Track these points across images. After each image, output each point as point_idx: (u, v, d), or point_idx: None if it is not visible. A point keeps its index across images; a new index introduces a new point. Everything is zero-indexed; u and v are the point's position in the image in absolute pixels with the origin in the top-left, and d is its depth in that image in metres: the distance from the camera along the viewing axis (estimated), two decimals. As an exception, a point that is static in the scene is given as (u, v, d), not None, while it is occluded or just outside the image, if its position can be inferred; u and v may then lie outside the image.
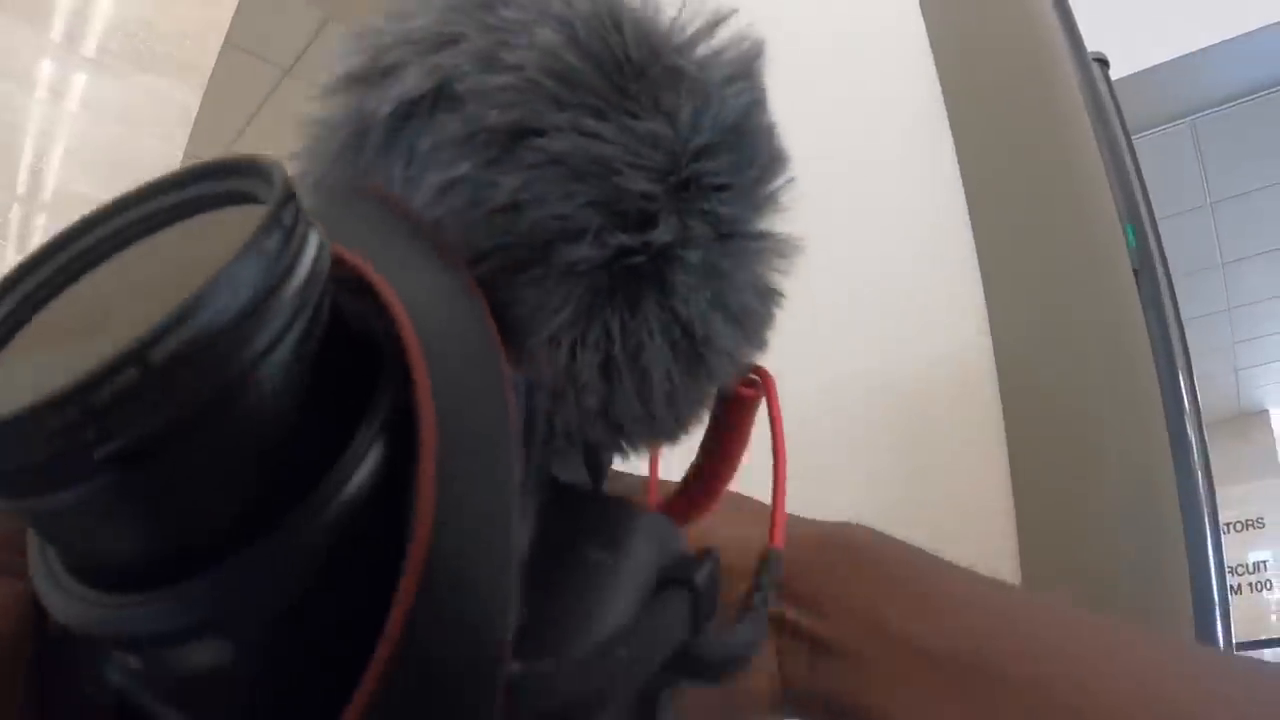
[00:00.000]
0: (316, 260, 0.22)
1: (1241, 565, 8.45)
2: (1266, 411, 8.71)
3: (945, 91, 0.76)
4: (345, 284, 0.25)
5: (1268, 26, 3.38)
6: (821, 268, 0.78)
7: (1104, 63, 1.22)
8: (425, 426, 0.23)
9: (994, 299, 0.69)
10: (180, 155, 1.97)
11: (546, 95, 0.31)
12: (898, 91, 0.79)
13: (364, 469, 0.24)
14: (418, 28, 0.34)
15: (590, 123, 0.31)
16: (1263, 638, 8.04)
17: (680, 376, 0.34)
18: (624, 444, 0.37)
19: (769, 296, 0.37)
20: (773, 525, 0.39)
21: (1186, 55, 3.52)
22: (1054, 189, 0.71)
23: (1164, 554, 0.66)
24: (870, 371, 0.74)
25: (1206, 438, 0.98)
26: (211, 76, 2.06)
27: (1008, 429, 0.67)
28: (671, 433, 0.37)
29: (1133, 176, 1.00)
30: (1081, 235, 0.70)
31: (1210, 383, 7.58)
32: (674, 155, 0.32)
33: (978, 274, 0.70)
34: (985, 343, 0.68)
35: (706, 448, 0.42)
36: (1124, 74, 2.10)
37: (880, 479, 0.72)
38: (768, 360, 0.41)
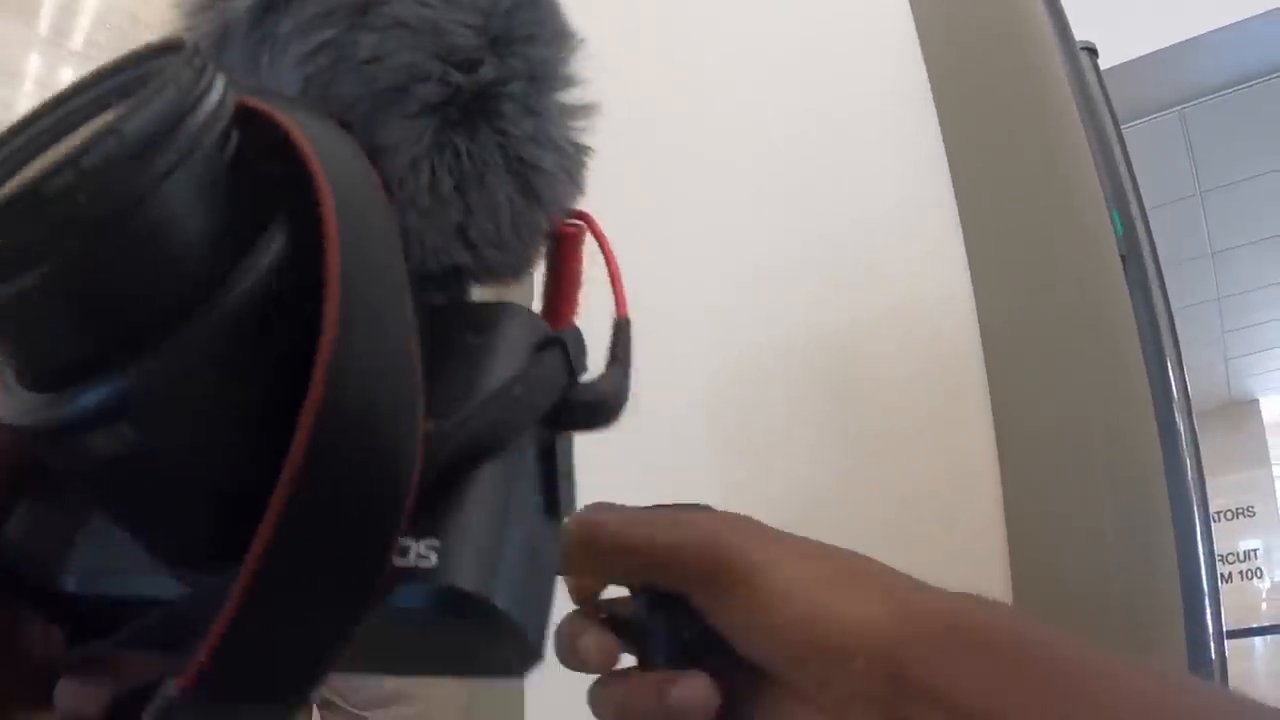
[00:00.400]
0: (225, 93, 0.28)
1: (1232, 554, 8.48)
2: (1256, 401, 8.74)
3: (932, 79, 0.76)
4: (249, 123, 0.31)
5: (1257, 16, 3.39)
6: (812, 255, 0.78)
7: (1093, 52, 1.22)
8: (329, 228, 0.28)
9: (980, 286, 0.69)
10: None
11: None
12: (885, 80, 0.79)
13: (259, 269, 0.29)
14: None
15: None
16: (1253, 625, 8.08)
17: (517, 199, 0.43)
18: (481, 272, 0.44)
19: (580, 148, 0.46)
20: (616, 301, 0.46)
21: (1176, 45, 3.53)
22: (1040, 176, 0.71)
23: (1153, 543, 0.66)
24: (855, 362, 0.74)
25: (1196, 427, 0.98)
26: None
27: (995, 417, 0.67)
28: (517, 264, 0.45)
29: (1120, 164, 1.00)
30: (1068, 222, 0.70)
31: (1200, 372, 7.60)
32: (487, 16, 0.42)
33: (965, 260, 0.70)
34: (973, 331, 0.68)
35: (546, 291, 0.48)
36: (1113, 64, 2.10)
37: (869, 468, 0.72)
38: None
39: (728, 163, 0.88)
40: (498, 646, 0.36)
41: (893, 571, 0.43)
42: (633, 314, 0.46)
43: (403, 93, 0.40)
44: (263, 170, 0.31)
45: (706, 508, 0.47)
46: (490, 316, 0.40)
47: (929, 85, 0.76)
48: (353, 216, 0.30)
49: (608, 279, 0.47)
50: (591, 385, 0.41)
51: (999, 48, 0.76)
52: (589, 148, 0.47)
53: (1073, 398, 0.66)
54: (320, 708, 2.14)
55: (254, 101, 0.32)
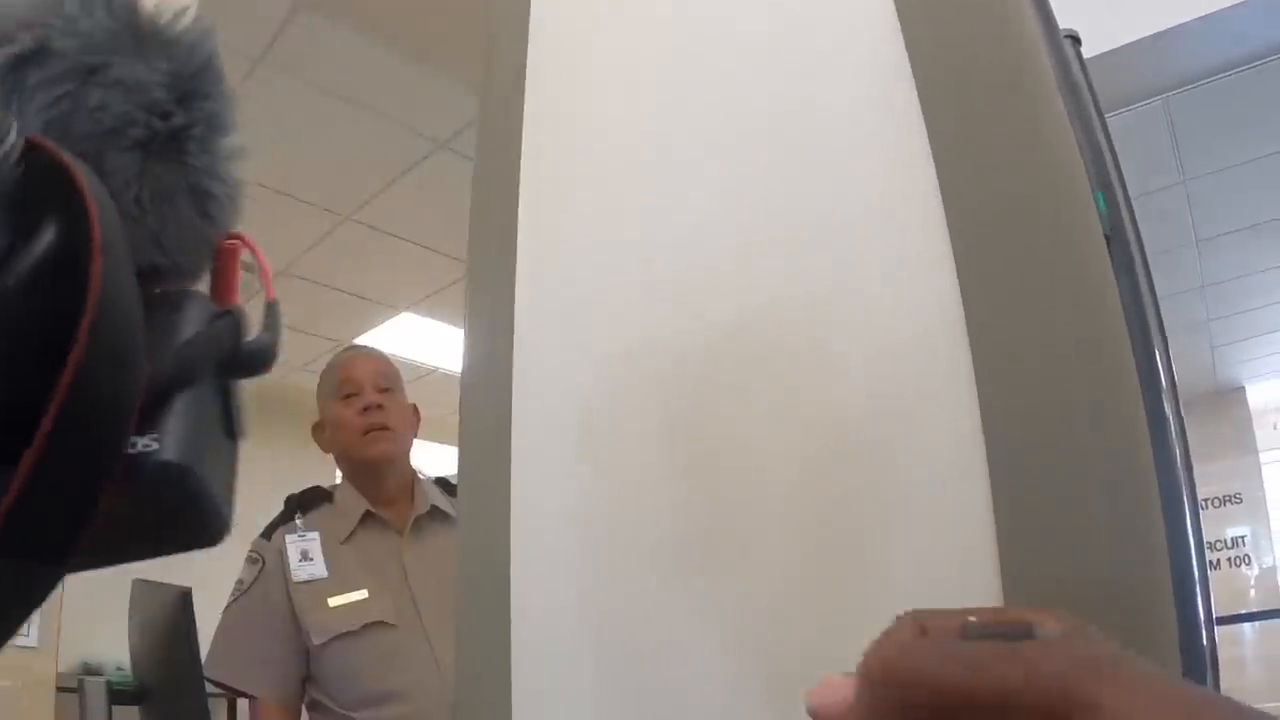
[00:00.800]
0: (17, 131, 0.43)
1: (1220, 541, 8.56)
2: (1243, 388, 8.81)
3: (913, 61, 0.75)
4: (30, 151, 0.46)
5: (1241, 4, 3.39)
6: (787, 233, 0.78)
7: (1076, 40, 1.22)
8: (94, 225, 0.43)
9: (964, 268, 0.69)
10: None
11: (107, 47, 0.56)
12: (865, 65, 0.79)
13: (36, 254, 0.43)
14: (12, 14, 0.55)
15: (133, 62, 0.57)
16: (1241, 611, 8.14)
17: (196, 218, 0.60)
18: (170, 272, 0.60)
19: (240, 184, 0.63)
20: (266, 291, 0.64)
21: (1159, 33, 3.53)
22: (1023, 151, 0.71)
23: (1143, 529, 0.66)
24: (827, 344, 0.73)
25: (1183, 412, 0.97)
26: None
27: (981, 403, 0.66)
28: (195, 269, 0.62)
29: (1103, 144, 0.99)
30: (1052, 200, 0.70)
31: (1186, 360, 7.64)
32: (176, 79, 0.58)
33: (948, 244, 0.70)
34: (957, 313, 0.68)
35: (212, 290, 0.64)
36: (1096, 52, 2.09)
37: (854, 443, 0.72)
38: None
39: (683, 141, 0.87)
40: (198, 517, 0.54)
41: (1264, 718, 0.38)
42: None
43: (119, 133, 0.56)
44: (38, 184, 0.45)
45: (1034, 624, 0.42)
46: (180, 298, 0.58)
47: (909, 64, 0.75)
48: (105, 219, 0.44)
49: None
50: (251, 343, 0.58)
51: (982, 28, 0.76)
52: (244, 183, 0.64)
53: (1060, 381, 0.66)
54: (309, 709, 2.14)
55: (33, 137, 0.46)
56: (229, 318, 0.57)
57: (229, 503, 0.55)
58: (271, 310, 0.63)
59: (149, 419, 0.49)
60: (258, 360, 0.59)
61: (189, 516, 0.54)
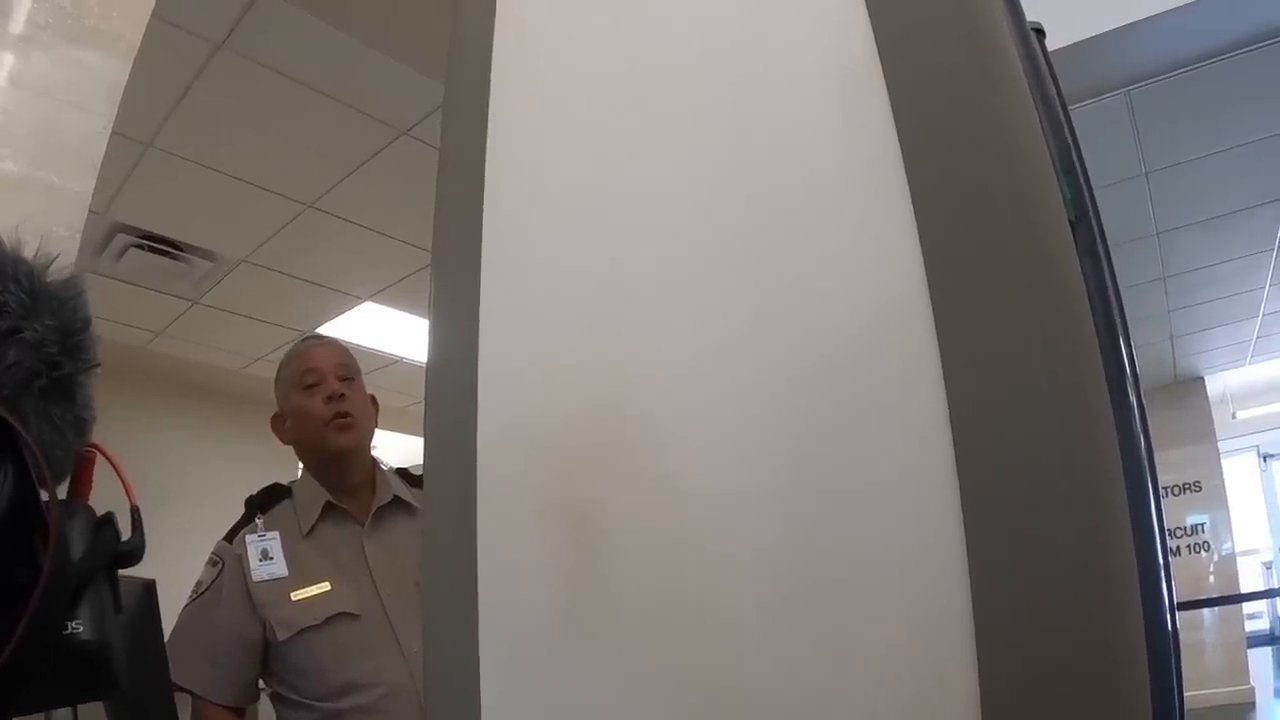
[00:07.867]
0: None
1: (1180, 528, 8.69)
2: (1202, 378, 8.92)
3: (881, 49, 0.75)
4: None
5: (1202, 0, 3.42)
6: (752, 233, 0.77)
7: (1040, 32, 1.22)
8: (45, 477, 0.69)
9: (930, 255, 0.69)
10: (108, 131, 1.91)
11: (18, 314, 0.75)
12: (834, 54, 0.79)
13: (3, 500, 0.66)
14: None
15: (34, 323, 0.76)
16: (1200, 597, 8.26)
17: (74, 436, 0.80)
18: (56, 476, 0.77)
19: (93, 408, 0.83)
20: (128, 496, 0.85)
21: (1123, 27, 3.55)
22: (989, 137, 0.71)
23: (1108, 516, 0.66)
24: (801, 338, 0.73)
25: (1144, 401, 0.98)
26: (140, 51, 2.00)
27: (948, 391, 0.66)
28: (67, 469, 0.81)
29: (1068, 133, 1.00)
30: (1017, 186, 0.70)
31: (1147, 350, 7.73)
32: (65, 334, 0.78)
33: (914, 230, 0.70)
34: (923, 299, 0.68)
35: (71, 489, 0.83)
36: (1060, 45, 2.11)
37: (815, 432, 0.72)
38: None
39: (649, 129, 0.87)
40: (101, 676, 0.77)
41: None
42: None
43: (28, 384, 0.75)
44: None
45: None
46: (71, 508, 0.78)
47: (878, 53, 0.75)
48: (40, 464, 0.67)
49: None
50: (127, 543, 0.81)
51: (949, 17, 0.76)
52: (94, 413, 0.84)
53: (1026, 366, 0.66)
54: (273, 701, 2.12)
55: None
56: (109, 527, 0.79)
57: (122, 668, 0.78)
58: (136, 515, 0.86)
59: (74, 609, 0.73)
60: (133, 559, 0.81)
61: (96, 677, 0.77)
